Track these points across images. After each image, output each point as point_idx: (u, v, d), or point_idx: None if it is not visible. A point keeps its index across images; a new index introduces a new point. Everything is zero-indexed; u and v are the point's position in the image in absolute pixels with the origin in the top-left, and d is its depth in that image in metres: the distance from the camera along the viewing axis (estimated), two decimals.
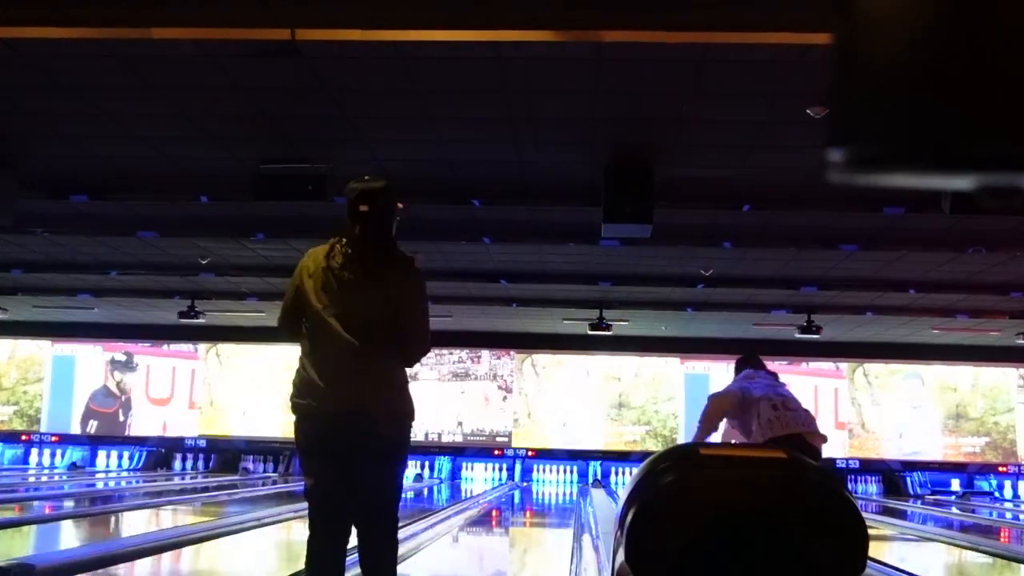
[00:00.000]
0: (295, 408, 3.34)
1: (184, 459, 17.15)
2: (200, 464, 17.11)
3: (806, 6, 4.20)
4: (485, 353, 17.03)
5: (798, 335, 13.40)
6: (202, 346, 17.16)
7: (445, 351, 16.72)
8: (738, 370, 5.60)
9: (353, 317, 3.24)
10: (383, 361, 3.27)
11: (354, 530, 3.36)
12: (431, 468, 16.75)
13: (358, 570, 3.43)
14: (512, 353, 17.03)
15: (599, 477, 16.43)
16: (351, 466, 3.26)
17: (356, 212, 3.30)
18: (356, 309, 3.25)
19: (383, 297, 3.27)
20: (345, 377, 3.23)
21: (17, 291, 13.40)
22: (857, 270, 10.44)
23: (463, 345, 16.64)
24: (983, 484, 16.53)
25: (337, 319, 3.24)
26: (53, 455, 17.27)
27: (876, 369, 16.76)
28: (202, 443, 17.11)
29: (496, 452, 16.80)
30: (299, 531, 8.51)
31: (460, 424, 16.89)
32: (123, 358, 17.43)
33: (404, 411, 3.35)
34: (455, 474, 16.80)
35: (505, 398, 17.04)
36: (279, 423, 16.18)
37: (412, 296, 3.36)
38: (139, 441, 17.17)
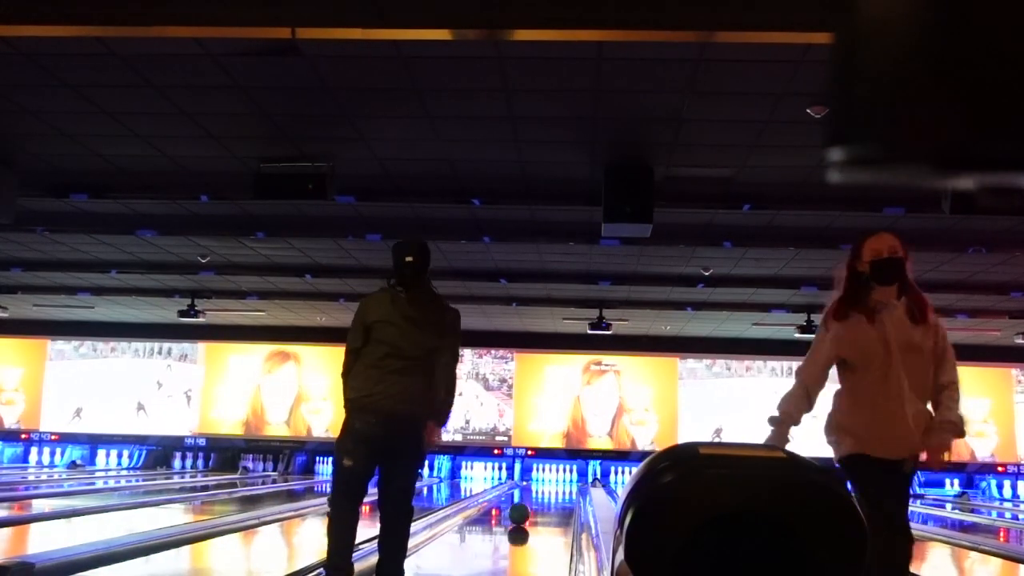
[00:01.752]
0: (355, 401, 4.31)
1: (184, 458, 17.15)
2: (200, 463, 17.12)
3: (806, 6, 4.20)
4: (467, 352, 17.00)
5: (797, 335, 13.40)
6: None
7: None
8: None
9: (405, 346, 4.31)
10: (420, 377, 4.33)
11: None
12: (431, 467, 16.76)
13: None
14: (493, 351, 17.00)
15: (599, 477, 16.44)
16: (389, 458, 4.28)
17: (404, 263, 4.43)
18: (409, 339, 4.33)
19: (427, 332, 4.38)
20: (399, 386, 4.26)
21: (17, 290, 13.40)
22: None
23: (463, 344, 16.62)
24: (983, 484, 16.54)
25: (395, 343, 4.31)
26: (53, 453, 17.28)
27: None
28: (202, 442, 17.12)
29: (496, 451, 16.81)
30: (299, 530, 8.54)
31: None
32: None
33: (428, 415, 4.40)
34: (455, 473, 16.81)
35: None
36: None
37: (453, 329, 4.52)
38: (139, 440, 17.17)
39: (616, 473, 16.36)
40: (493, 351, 17.00)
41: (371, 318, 4.37)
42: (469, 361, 17.09)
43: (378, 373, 4.27)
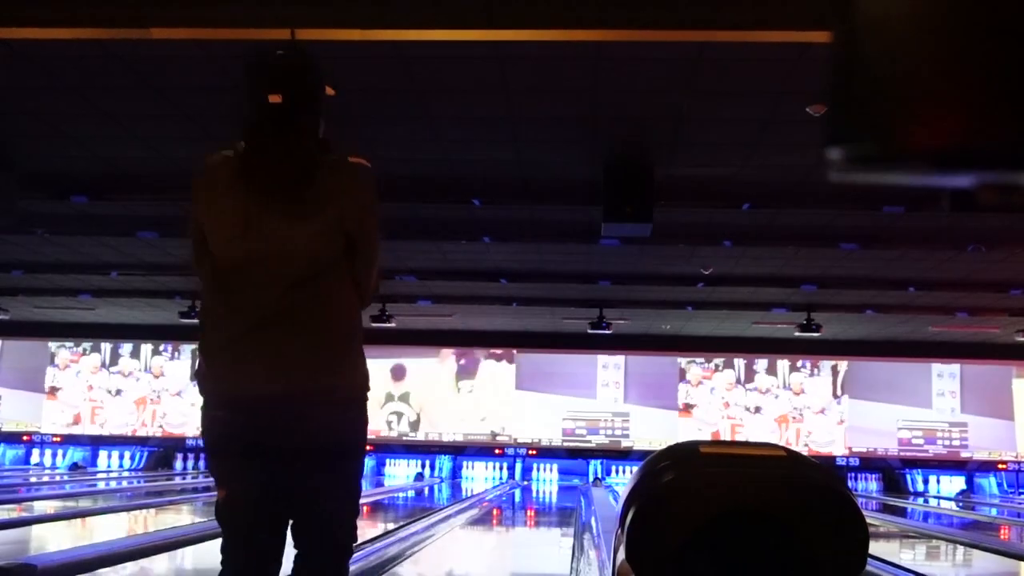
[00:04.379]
0: (200, 391, 2.35)
1: (185, 459, 17.16)
2: (201, 464, 17.12)
3: (806, 5, 4.20)
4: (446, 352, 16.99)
5: (797, 333, 13.41)
6: None
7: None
8: None
9: (272, 258, 2.25)
10: (316, 317, 2.27)
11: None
12: (431, 467, 16.76)
13: None
14: (455, 350, 16.95)
15: (600, 476, 16.45)
16: (279, 471, 2.28)
17: (263, 104, 2.32)
18: (275, 246, 2.25)
19: (310, 223, 2.28)
20: (263, 347, 2.23)
21: (18, 292, 13.40)
22: (856, 268, 10.45)
23: (463, 344, 16.63)
24: (983, 482, 16.55)
25: (249, 263, 2.26)
26: (54, 455, 17.28)
27: None
28: (203, 443, 17.11)
29: (497, 451, 16.81)
30: None
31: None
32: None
33: (350, 385, 2.33)
34: (455, 473, 16.82)
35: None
36: None
37: (361, 212, 2.42)
38: (140, 441, 17.18)
39: (617, 473, 16.37)
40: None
41: (203, 210, 2.33)
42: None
43: (220, 328, 2.28)
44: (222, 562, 2.33)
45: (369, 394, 2.40)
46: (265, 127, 2.32)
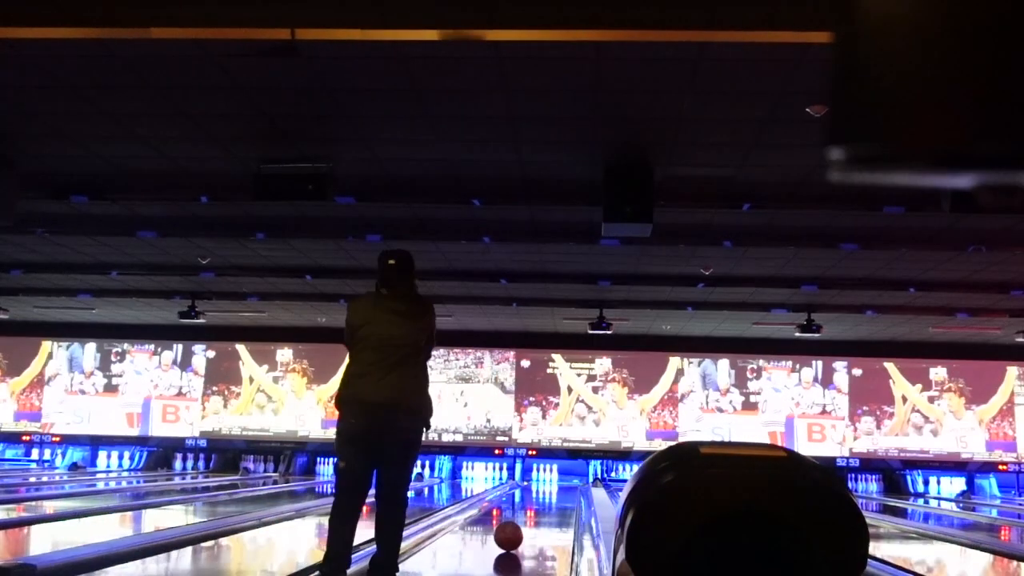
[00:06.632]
0: (342, 397, 4.59)
1: (184, 459, 17.16)
2: (200, 464, 17.12)
3: (806, 5, 4.20)
4: (487, 357, 17.01)
5: (798, 334, 13.41)
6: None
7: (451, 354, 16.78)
8: None
9: (392, 338, 4.58)
10: (409, 369, 4.60)
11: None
12: (431, 467, 16.76)
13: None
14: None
15: (600, 476, 16.44)
16: (379, 452, 4.49)
17: (386, 266, 4.72)
18: (394, 332, 4.60)
19: (412, 325, 4.66)
20: (382, 378, 4.51)
21: (18, 292, 13.40)
22: (857, 269, 10.44)
23: (463, 344, 16.64)
24: (983, 483, 16.54)
25: (380, 339, 4.57)
26: (54, 455, 17.28)
27: None
28: (203, 443, 17.12)
29: (497, 451, 16.81)
30: (300, 530, 8.54)
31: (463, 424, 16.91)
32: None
33: (421, 406, 4.65)
34: (455, 473, 16.82)
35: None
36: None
37: (431, 326, 4.80)
38: (140, 441, 17.18)
39: (617, 473, 16.37)
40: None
41: (356, 321, 4.71)
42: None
43: (360, 368, 4.58)
44: (334, 496, 4.65)
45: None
46: (386, 277, 4.73)
